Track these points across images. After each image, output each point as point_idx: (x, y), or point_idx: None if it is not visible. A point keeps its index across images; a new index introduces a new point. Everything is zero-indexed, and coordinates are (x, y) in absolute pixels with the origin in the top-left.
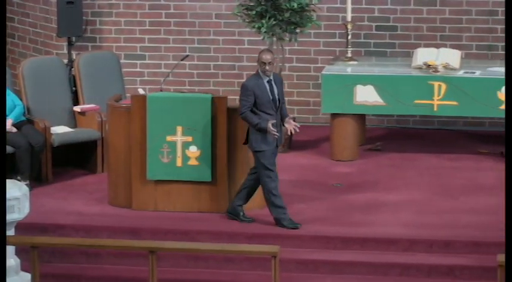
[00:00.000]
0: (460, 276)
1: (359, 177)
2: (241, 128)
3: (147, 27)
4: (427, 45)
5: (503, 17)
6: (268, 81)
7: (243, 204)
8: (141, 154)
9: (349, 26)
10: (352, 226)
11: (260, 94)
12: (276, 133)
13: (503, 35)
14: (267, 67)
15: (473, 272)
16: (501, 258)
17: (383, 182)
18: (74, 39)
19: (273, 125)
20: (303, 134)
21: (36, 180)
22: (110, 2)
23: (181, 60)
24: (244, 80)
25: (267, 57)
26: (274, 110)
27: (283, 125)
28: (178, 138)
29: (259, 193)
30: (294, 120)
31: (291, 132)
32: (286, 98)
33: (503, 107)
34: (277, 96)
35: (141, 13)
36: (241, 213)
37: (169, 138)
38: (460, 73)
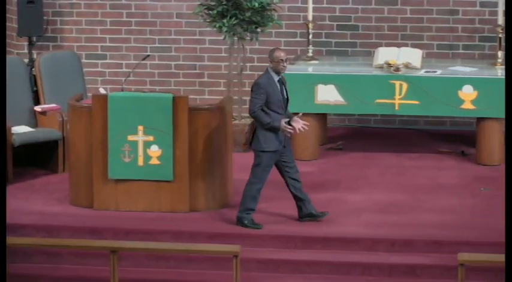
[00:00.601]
0: (421, 276)
1: (320, 176)
2: (203, 127)
3: (108, 27)
4: (388, 45)
5: (464, 17)
6: (278, 80)
7: (309, 202)
8: (103, 154)
9: (310, 26)
10: (314, 225)
11: (272, 93)
12: (290, 130)
13: (464, 34)
14: (285, 64)
15: (434, 271)
16: (461, 257)
17: (344, 181)
18: (34, 38)
19: (286, 123)
20: None
21: None
22: (70, 1)
23: (143, 59)
24: (257, 79)
25: (282, 54)
26: (283, 110)
27: (290, 123)
28: (140, 137)
29: (217, 193)
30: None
31: (300, 131)
32: (247, 98)
33: (464, 106)
34: (285, 96)
35: (102, 13)
36: (314, 211)
37: (130, 137)
38: (421, 72)
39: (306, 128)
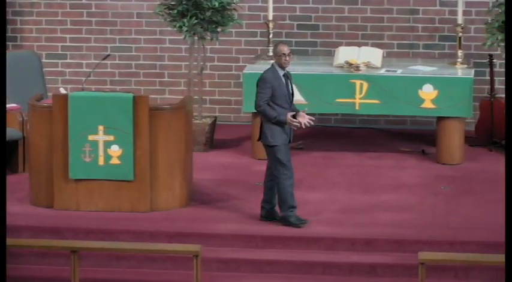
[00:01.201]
0: (381, 275)
1: None
2: (163, 127)
3: (69, 27)
4: (348, 44)
5: (424, 16)
6: (283, 75)
7: (275, 207)
8: (63, 153)
9: (270, 25)
10: (274, 225)
11: (277, 87)
12: (297, 123)
13: (424, 33)
14: (288, 58)
15: (394, 270)
16: (422, 256)
17: (305, 180)
18: None
19: (292, 116)
20: (225, 132)
21: None
22: (31, 1)
23: (103, 59)
24: (262, 73)
25: (285, 48)
26: (289, 104)
27: (295, 118)
28: (100, 137)
29: (178, 193)
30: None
31: (305, 126)
32: (207, 97)
33: (424, 105)
34: (291, 91)
35: (63, 12)
36: (276, 215)
37: (91, 137)
38: (382, 72)
39: (311, 123)
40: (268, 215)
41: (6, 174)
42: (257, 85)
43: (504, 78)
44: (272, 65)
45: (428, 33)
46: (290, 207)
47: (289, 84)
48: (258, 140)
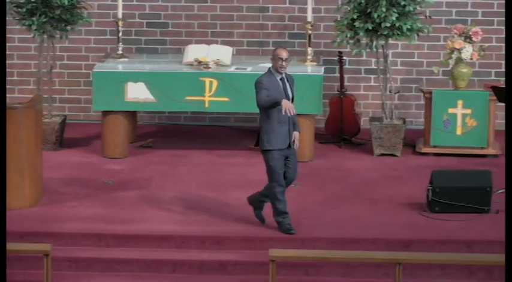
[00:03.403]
0: (232, 272)
1: (130, 174)
2: (13, 126)
3: None
4: (198, 42)
5: (274, 14)
6: (280, 79)
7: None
8: None
9: (120, 23)
10: (124, 223)
11: (274, 90)
12: (291, 109)
13: (274, 31)
14: (284, 63)
15: (245, 267)
16: (272, 253)
17: (154, 179)
18: None
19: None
20: (74, 131)
21: None
22: None
23: None
24: (258, 77)
25: (283, 53)
26: None
27: (295, 129)
28: None
29: (27, 192)
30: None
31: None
32: (57, 96)
33: None
34: (290, 95)
35: None
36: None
37: None
38: (232, 69)
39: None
40: (259, 217)
41: (6, 174)
42: (256, 87)
43: (353, 76)
44: (269, 69)
45: (278, 31)
46: (281, 213)
47: (287, 88)
48: (255, 146)
